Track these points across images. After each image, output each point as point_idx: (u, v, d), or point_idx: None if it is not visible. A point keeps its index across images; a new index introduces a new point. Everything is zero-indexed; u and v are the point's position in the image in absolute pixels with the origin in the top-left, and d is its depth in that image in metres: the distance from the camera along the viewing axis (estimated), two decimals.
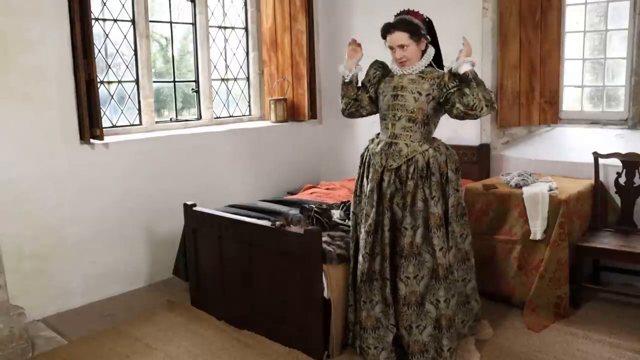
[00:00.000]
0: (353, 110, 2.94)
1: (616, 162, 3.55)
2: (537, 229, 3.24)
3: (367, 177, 2.77)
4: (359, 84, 2.93)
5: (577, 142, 4.02)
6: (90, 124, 3.59)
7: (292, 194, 4.67)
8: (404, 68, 2.70)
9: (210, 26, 4.67)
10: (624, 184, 3.53)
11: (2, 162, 3.28)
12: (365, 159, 2.82)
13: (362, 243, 2.74)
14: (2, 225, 3.26)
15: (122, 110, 4.15)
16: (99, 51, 3.95)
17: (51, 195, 3.50)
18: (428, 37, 2.69)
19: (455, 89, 2.59)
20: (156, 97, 4.38)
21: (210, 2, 4.63)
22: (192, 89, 4.63)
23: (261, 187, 4.75)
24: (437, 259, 2.60)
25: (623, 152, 3.51)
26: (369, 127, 4.70)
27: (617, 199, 3.60)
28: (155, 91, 4.33)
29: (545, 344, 2.97)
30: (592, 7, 4.08)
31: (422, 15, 2.71)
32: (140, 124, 4.24)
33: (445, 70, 2.69)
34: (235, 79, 4.99)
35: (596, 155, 3.60)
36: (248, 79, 5.10)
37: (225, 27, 4.87)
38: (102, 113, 3.75)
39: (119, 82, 4.12)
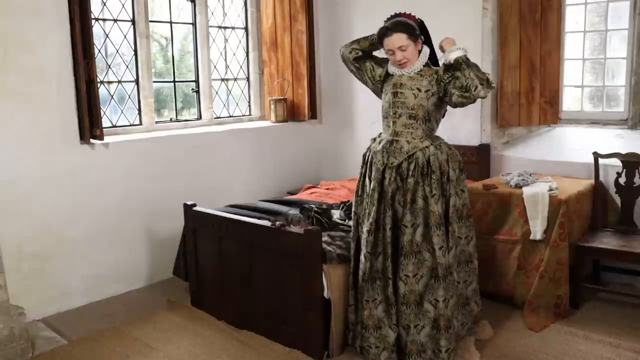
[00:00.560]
0: (354, 57, 2.87)
1: (616, 162, 3.55)
2: (537, 229, 3.24)
3: (369, 177, 2.77)
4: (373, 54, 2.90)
5: (577, 142, 4.02)
6: (90, 124, 3.60)
7: (292, 194, 4.67)
8: (403, 69, 2.71)
9: (210, 26, 4.67)
10: (624, 184, 3.53)
11: (2, 162, 3.28)
12: (368, 158, 2.83)
13: (363, 242, 2.74)
14: (2, 225, 3.26)
15: (122, 110, 4.15)
16: (99, 51, 3.95)
17: (51, 195, 3.50)
18: (422, 37, 2.72)
19: (449, 79, 2.59)
20: (156, 97, 4.38)
21: (210, 2, 4.63)
22: (192, 89, 4.63)
23: (261, 187, 4.75)
24: (437, 258, 2.60)
25: (623, 152, 3.51)
26: (369, 127, 4.72)
27: (617, 199, 3.60)
28: (155, 91, 4.33)
29: (545, 344, 2.97)
30: (592, 7, 4.08)
31: (415, 16, 2.73)
32: (140, 124, 4.24)
33: (440, 64, 2.70)
34: (235, 79, 4.99)
35: (596, 155, 3.60)
36: (248, 79, 5.10)
37: (225, 27, 4.87)
38: (102, 113, 3.75)
39: (119, 82, 4.12)
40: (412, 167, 2.64)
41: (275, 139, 4.88)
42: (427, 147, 2.66)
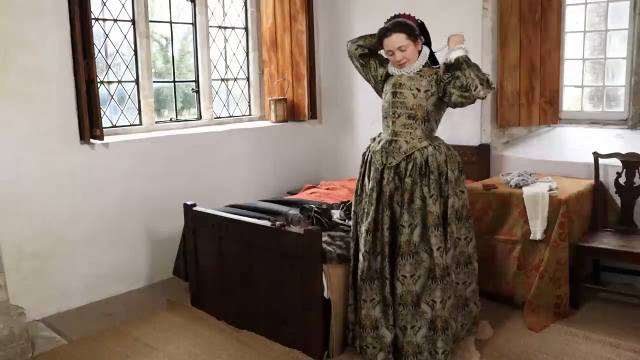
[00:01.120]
0: (360, 54, 2.86)
1: (616, 162, 3.55)
2: (537, 229, 3.24)
3: (369, 177, 2.77)
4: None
5: (577, 142, 4.02)
6: (90, 124, 3.60)
7: (292, 194, 4.67)
8: (403, 69, 2.71)
9: (210, 26, 4.67)
10: (624, 184, 3.53)
11: (2, 162, 3.28)
12: (367, 158, 2.83)
13: (362, 242, 2.74)
14: (2, 225, 3.26)
15: (122, 110, 4.15)
16: (99, 51, 3.95)
17: (51, 195, 3.50)
18: (422, 37, 2.72)
19: (449, 79, 2.59)
20: (156, 97, 4.38)
21: (210, 2, 4.63)
22: (192, 89, 4.63)
23: (261, 187, 4.75)
24: (434, 259, 2.60)
25: (623, 152, 3.51)
26: (369, 127, 4.71)
27: (617, 199, 3.60)
28: (155, 91, 4.33)
29: (545, 344, 2.97)
30: (592, 7, 4.08)
31: (414, 17, 2.73)
32: (140, 124, 4.24)
33: (440, 63, 2.70)
34: (235, 79, 4.99)
35: (596, 155, 3.60)
36: (248, 79, 5.10)
37: (225, 27, 4.87)
38: (102, 113, 3.75)
39: (119, 82, 4.12)
40: (410, 167, 2.64)
41: (275, 139, 4.88)
42: (425, 147, 2.66)
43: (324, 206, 3.46)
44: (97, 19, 3.93)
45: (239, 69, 5.01)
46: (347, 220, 3.32)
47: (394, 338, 2.72)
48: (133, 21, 4.12)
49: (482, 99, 2.56)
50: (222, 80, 4.88)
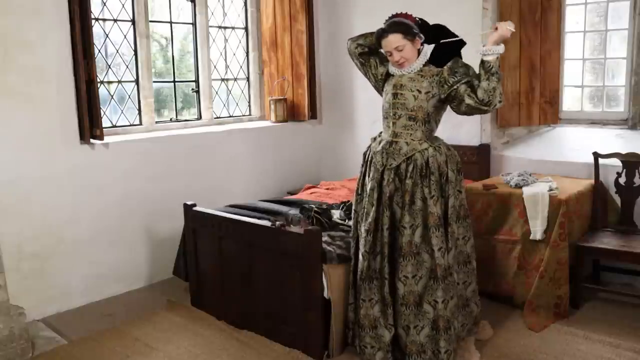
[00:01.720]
0: (359, 52, 2.86)
1: (616, 162, 3.55)
2: (537, 229, 3.24)
3: (370, 176, 2.77)
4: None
5: (577, 142, 4.02)
6: (90, 124, 3.60)
7: (292, 194, 4.67)
8: (403, 68, 2.70)
9: (210, 26, 4.67)
10: (624, 184, 3.53)
11: (2, 162, 3.28)
12: (368, 157, 2.83)
13: (362, 241, 2.74)
14: (2, 225, 3.26)
15: (122, 110, 4.15)
16: (99, 51, 3.95)
17: (51, 195, 3.50)
18: (422, 36, 2.69)
19: (460, 84, 2.57)
20: (156, 97, 4.38)
21: (210, 2, 4.64)
22: (192, 89, 4.63)
23: (261, 187, 4.75)
24: (435, 259, 2.60)
25: (623, 152, 3.51)
26: (369, 127, 4.72)
27: (617, 199, 3.60)
28: (155, 91, 4.33)
29: (545, 344, 2.97)
30: (592, 7, 4.08)
31: (412, 15, 2.71)
32: (140, 124, 4.24)
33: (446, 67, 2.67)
34: (235, 79, 4.99)
35: (596, 155, 3.60)
36: (248, 79, 5.10)
37: (225, 27, 4.87)
38: (102, 113, 3.75)
39: (119, 82, 4.12)
40: (410, 168, 2.64)
41: (275, 139, 4.88)
42: (426, 149, 2.65)
43: (324, 206, 3.46)
44: (97, 19, 3.93)
45: (239, 69, 5.01)
46: (347, 220, 3.32)
47: (396, 338, 2.72)
48: (133, 21, 4.12)
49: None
50: (222, 80, 4.88)
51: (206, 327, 3.28)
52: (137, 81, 4.20)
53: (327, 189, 4.38)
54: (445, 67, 2.66)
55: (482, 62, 2.55)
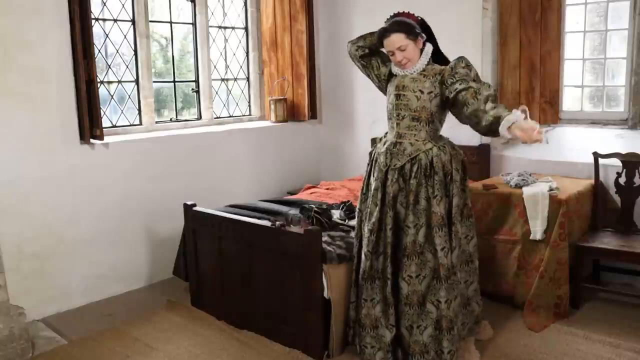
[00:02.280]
0: (360, 54, 2.85)
1: (616, 162, 3.55)
2: (537, 229, 3.24)
3: (374, 176, 2.78)
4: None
5: (577, 142, 4.02)
6: (90, 124, 3.60)
7: (292, 194, 4.67)
8: (406, 69, 2.69)
9: (210, 26, 4.67)
10: (624, 184, 3.53)
11: (2, 162, 3.28)
12: (373, 157, 2.83)
13: (365, 241, 2.74)
14: (2, 225, 3.26)
15: (122, 110, 4.15)
16: (99, 51, 3.95)
17: (51, 195, 3.50)
18: (423, 35, 2.68)
19: (459, 90, 2.52)
20: (156, 97, 4.38)
21: (210, 2, 4.63)
22: (192, 89, 4.63)
23: (261, 187, 4.75)
24: (438, 259, 2.60)
25: (623, 152, 3.51)
26: (369, 127, 4.72)
27: (617, 199, 3.60)
28: (155, 91, 4.33)
29: (545, 344, 2.97)
30: (592, 7, 4.08)
31: (414, 15, 2.70)
32: (140, 124, 4.24)
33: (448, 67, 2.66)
34: (235, 79, 4.99)
35: (596, 155, 3.60)
36: (248, 79, 5.10)
37: (225, 27, 4.87)
38: (102, 113, 3.75)
39: (119, 82, 4.12)
40: (415, 168, 2.64)
41: (275, 139, 4.88)
42: (430, 148, 2.65)
43: (324, 206, 3.46)
44: (97, 19, 3.93)
45: (239, 69, 5.01)
46: (347, 220, 3.32)
47: (399, 338, 2.72)
48: (133, 21, 4.12)
49: None
50: (222, 80, 4.88)
51: (206, 327, 3.28)
52: (137, 81, 4.20)
53: (327, 189, 4.38)
54: (447, 67, 2.65)
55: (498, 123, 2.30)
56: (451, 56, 2.71)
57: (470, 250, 2.79)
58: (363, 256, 2.75)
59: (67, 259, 3.60)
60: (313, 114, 5.03)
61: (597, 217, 3.59)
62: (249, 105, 5.13)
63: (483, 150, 4.18)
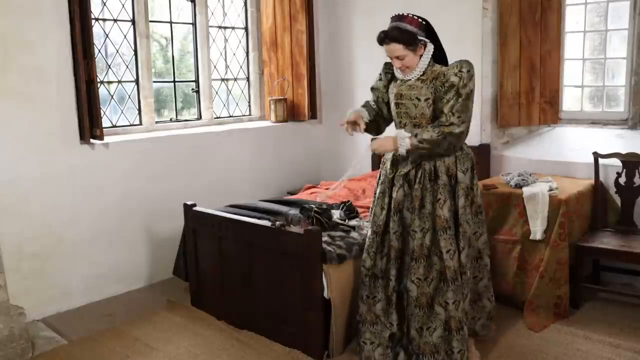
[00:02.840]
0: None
1: (616, 162, 3.55)
2: (537, 229, 3.24)
3: (380, 180, 2.81)
4: (373, 105, 2.91)
5: (577, 142, 4.02)
6: (90, 124, 3.60)
7: (292, 194, 4.67)
8: (406, 73, 2.67)
9: (210, 26, 4.67)
10: (624, 184, 3.53)
11: (2, 162, 3.28)
12: (382, 160, 2.85)
13: (368, 242, 2.76)
14: (2, 225, 3.26)
15: (122, 110, 4.15)
16: (99, 51, 3.95)
17: (51, 195, 3.50)
18: (425, 40, 2.60)
19: (445, 102, 2.55)
20: (156, 97, 4.38)
21: (210, 2, 4.63)
22: (192, 89, 4.63)
23: (261, 187, 4.75)
24: (444, 262, 2.60)
25: (623, 152, 3.51)
26: None
27: (617, 199, 3.60)
28: (155, 91, 4.33)
29: (545, 344, 2.97)
30: (592, 7, 4.08)
31: (418, 19, 2.59)
32: (140, 124, 4.24)
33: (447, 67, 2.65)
34: (235, 79, 4.99)
35: (596, 155, 3.60)
36: (248, 79, 5.10)
37: (225, 27, 4.87)
38: (102, 113, 3.75)
39: (119, 82, 4.12)
40: (419, 174, 2.65)
41: (275, 139, 4.88)
42: None
43: (324, 206, 3.46)
44: (97, 19, 3.93)
45: (239, 69, 5.01)
46: (347, 220, 3.32)
47: (405, 341, 2.73)
48: (133, 21, 4.12)
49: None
50: (222, 80, 4.88)
51: (206, 327, 3.28)
52: (137, 81, 4.20)
53: (327, 189, 4.38)
54: (442, 71, 2.61)
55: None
56: (451, 56, 2.69)
57: (480, 246, 2.80)
58: (365, 254, 2.76)
59: (67, 259, 3.60)
60: (313, 114, 5.03)
61: (597, 217, 3.59)
62: (249, 105, 5.13)
63: (483, 150, 4.18)
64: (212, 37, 4.71)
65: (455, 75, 2.54)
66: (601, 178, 3.64)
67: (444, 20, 3.99)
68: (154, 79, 4.30)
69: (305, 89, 4.90)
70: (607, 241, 3.36)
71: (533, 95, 4.19)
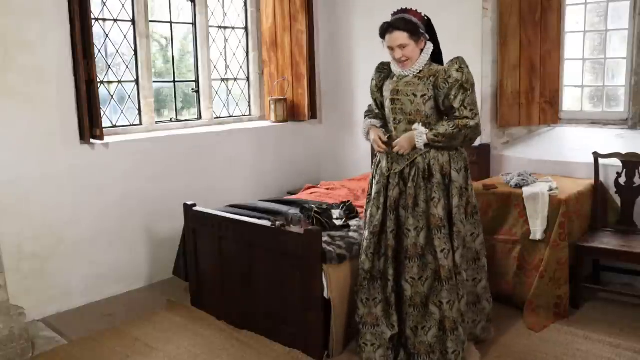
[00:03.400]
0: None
1: (616, 162, 3.55)
2: (537, 229, 3.24)
3: (376, 180, 2.80)
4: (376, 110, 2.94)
5: (577, 142, 4.02)
6: (90, 124, 3.60)
7: (292, 194, 4.67)
8: (404, 68, 2.69)
9: (210, 26, 4.67)
10: (624, 184, 3.53)
11: (2, 162, 3.28)
12: (377, 160, 2.84)
13: (366, 243, 2.75)
14: (2, 225, 3.26)
15: (122, 110, 4.15)
16: (99, 51, 3.95)
17: (51, 195, 3.50)
18: (427, 35, 2.67)
19: (446, 96, 2.58)
20: (156, 97, 4.38)
21: (210, 2, 4.63)
22: (192, 89, 4.63)
23: (261, 187, 4.75)
24: (438, 261, 2.60)
25: (623, 152, 3.51)
26: None
27: (617, 199, 3.60)
28: (155, 91, 4.33)
29: (545, 344, 2.97)
30: (592, 7, 4.08)
31: (421, 13, 2.68)
32: (140, 124, 4.24)
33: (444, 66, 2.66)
34: (235, 79, 4.99)
35: (596, 155, 3.60)
36: (248, 79, 5.10)
37: (225, 27, 4.87)
38: (102, 113, 3.75)
39: (119, 82, 4.12)
40: (413, 172, 2.65)
41: (275, 139, 4.88)
42: (427, 151, 2.65)
43: (324, 206, 3.46)
44: (97, 19, 3.93)
45: (239, 69, 5.01)
46: (346, 220, 3.32)
47: (403, 339, 2.73)
48: (133, 21, 4.12)
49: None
50: (222, 80, 4.88)
51: (206, 327, 3.28)
52: (137, 81, 4.20)
53: (327, 189, 4.38)
54: (441, 69, 2.63)
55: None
56: (451, 56, 2.70)
57: (477, 248, 2.79)
58: (364, 257, 2.75)
59: (67, 259, 3.60)
60: (313, 114, 5.03)
61: (597, 217, 3.59)
62: (249, 105, 5.13)
63: (483, 150, 4.18)
64: (212, 37, 4.71)
65: (457, 71, 2.58)
66: (601, 178, 3.64)
67: (444, 20, 3.99)
68: (154, 79, 4.30)
69: (305, 89, 4.90)
70: (607, 241, 3.36)
71: (533, 95, 4.19)
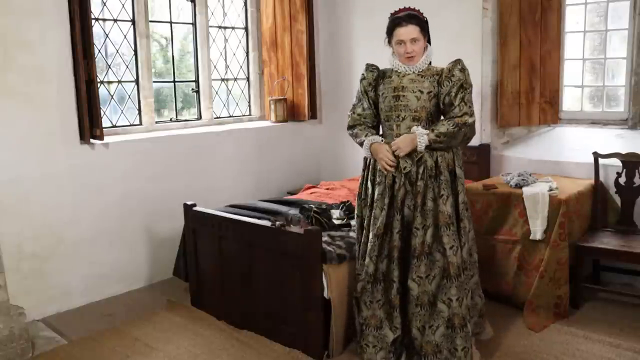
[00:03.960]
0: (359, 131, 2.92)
1: (616, 162, 3.55)
2: (537, 229, 3.24)
3: (372, 181, 2.77)
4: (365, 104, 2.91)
5: (577, 142, 4.02)
6: (90, 124, 3.60)
7: (292, 194, 4.67)
8: (410, 64, 2.69)
9: (210, 26, 4.67)
10: (624, 184, 3.53)
11: (2, 162, 3.28)
12: (369, 162, 2.81)
13: (369, 245, 2.72)
14: (2, 225, 3.26)
15: (122, 110, 4.16)
16: (99, 51, 3.95)
17: (51, 195, 3.50)
18: (429, 35, 2.73)
19: (449, 93, 2.60)
20: (156, 97, 4.38)
21: (210, 2, 4.64)
22: (192, 89, 4.63)
23: (261, 187, 4.75)
24: (447, 258, 2.60)
25: (623, 152, 3.51)
26: None
27: (617, 199, 3.60)
28: (155, 91, 4.33)
29: (545, 344, 2.97)
30: (592, 7, 4.08)
31: (422, 13, 2.72)
32: (140, 124, 4.24)
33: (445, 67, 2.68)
34: (235, 79, 4.99)
35: (596, 155, 3.60)
36: (248, 79, 5.10)
37: (225, 27, 4.87)
38: (102, 113, 3.75)
39: (119, 82, 4.12)
40: (421, 170, 2.64)
41: (275, 139, 4.88)
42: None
43: (324, 206, 3.46)
44: (97, 19, 3.93)
45: (239, 69, 5.01)
46: (346, 220, 3.32)
47: (407, 341, 2.73)
48: (133, 21, 4.13)
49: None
50: (222, 80, 4.88)
51: (206, 327, 3.28)
52: (137, 81, 4.20)
53: (327, 189, 4.38)
54: (445, 68, 2.67)
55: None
56: (451, 56, 2.71)
57: (469, 243, 2.79)
58: (368, 260, 2.73)
59: (67, 259, 3.60)
60: (313, 114, 5.03)
61: (597, 217, 3.59)
62: (249, 105, 5.13)
63: (483, 150, 4.18)
64: (212, 37, 4.71)
65: (460, 71, 2.63)
66: (601, 178, 3.64)
67: (444, 20, 4.01)
68: (154, 79, 4.30)
69: (305, 89, 4.90)
70: (607, 241, 3.36)
71: (533, 95, 4.19)
